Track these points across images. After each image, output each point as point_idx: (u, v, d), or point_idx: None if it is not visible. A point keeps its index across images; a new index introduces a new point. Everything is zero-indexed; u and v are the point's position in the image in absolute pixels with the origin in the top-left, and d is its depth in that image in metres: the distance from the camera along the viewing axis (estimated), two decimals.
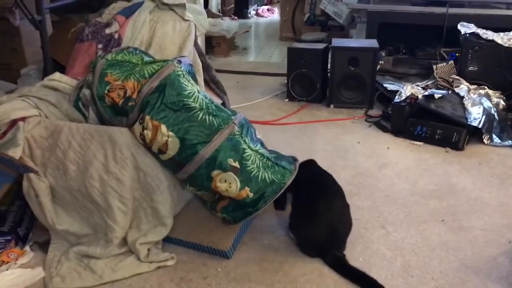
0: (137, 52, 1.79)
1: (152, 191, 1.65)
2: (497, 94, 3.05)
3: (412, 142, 2.72)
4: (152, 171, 1.64)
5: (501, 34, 3.13)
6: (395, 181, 2.28)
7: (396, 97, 2.95)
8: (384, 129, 2.91)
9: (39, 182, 1.61)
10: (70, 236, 1.69)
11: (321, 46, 3.41)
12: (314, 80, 3.37)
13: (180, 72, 1.65)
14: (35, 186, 1.61)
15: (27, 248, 1.70)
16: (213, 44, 5.03)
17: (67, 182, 1.64)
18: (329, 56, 3.35)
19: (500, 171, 2.38)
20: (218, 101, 2.46)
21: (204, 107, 1.62)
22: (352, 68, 3.22)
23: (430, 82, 3.36)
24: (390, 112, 2.94)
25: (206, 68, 2.37)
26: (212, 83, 2.43)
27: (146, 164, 1.63)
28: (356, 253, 1.73)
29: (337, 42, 3.41)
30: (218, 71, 4.33)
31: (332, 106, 3.33)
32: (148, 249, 1.67)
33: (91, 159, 1.61)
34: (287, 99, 3.48)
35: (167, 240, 1.77)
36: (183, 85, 1.62)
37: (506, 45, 3.06)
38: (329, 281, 1.59)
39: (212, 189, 1.62)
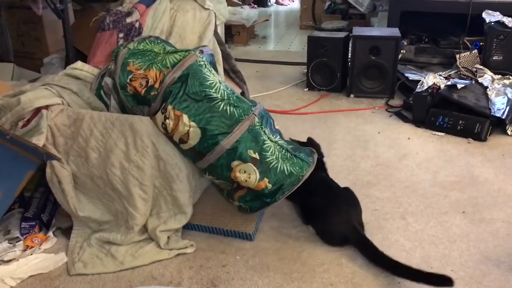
0: (159, 41, 1.80)
1: (172, 179, 1.66)
2: None
3: (434, 132, 2.69)
4: (172, 160, 1.65)
5: None
6: (415, 172, 2.26)
7: (418, 86, 2.91)
8: (405, 119, 2.88)
9: (61, 169, 1.64)
10: (92, 223, 1.72)
11: (341, 34, 3.37)
12: (334, 69, 3.34)
13: (202, 62, 1.65)
14: (58, 173, 1.64)
15: (50, 233, 1.74)
16: (233, 33, 5.03)
17: (89, 170, 1.67)
18: (350, 45, 3.31)
19: None
20: (238, 90, 2.46)
21: (226, 97, 1.62)
22: (373, 57, 3.18)
23: (452, 72, 3.30)
24: (411, 102, 2.90)
25: (226, 57, 2.37)
26: (232, 73, 2.43)
27: (166, 153, 1.65)
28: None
29: (358, 30, 3.37)
30: (237, 60, 4.33)
31: (352, 95, 3.31)
32: (168, 237, 1.70)
33: (112, 147, 1.63)
34: (307, 89, 3.47)
35: (188, 227, 1.79)
36: (205, 75, 1.63)
37: None
38: (347, 271, 1.60)
39: (231, 179, 1.63)
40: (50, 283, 1.56)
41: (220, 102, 1.61)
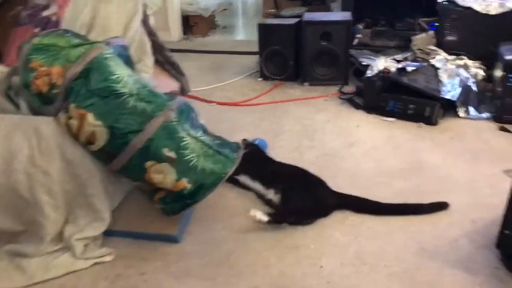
0: (68, 34, 1.66)
1: (84, 184, 1.54)
2: (476, 64, 2.90)
3: (384, 118, 2.60)
4: (82, 162, 1.53)
5: (479, 0, 2.96)
6: (360, 161, 2.17)
7: (368, 71, 2.82)
8: (356, 106, 2.79)
9: None
10: (2, 234, 1.59)
11: (293, 21, 3.26)
12: (287, 58, 3.23)
13: (108, 55, 1.52)
14: None
15: None
16: (191, 24, 4.87)
17: None
18: None
19: (473, 146, 2.26)
20: (174, 84, 2.33)
21: (135, 92, 1.50)
22: (324, 43, 3.08)
23: (408, 55, 3.21)
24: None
25: (158, 48, 2.24)
26: (167, 65, 2.31)
27: (75, 155, 1.52)
28: (307, 240, 1.63)
29: (308, 16, 3.26)
30: (193, 51, 4.22)
31: (306, 84, 3.21)
32: (85, 245, 1.58)
33: (16, 152, 1.50)
34: (261, 78, 3.36)
35: (110, 234, 1.67)
36: (111, 69, 1.50)
37: (484, 11, 2.89)
38: (274, 273, 1.50)
39: (146, 180, 1.51)
40: None
41: (129, 98, 1.48)
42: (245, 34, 5.12)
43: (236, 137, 2.08)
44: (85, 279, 1.50)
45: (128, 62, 1.64)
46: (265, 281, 1.46)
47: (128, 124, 1.47)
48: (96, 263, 1.55)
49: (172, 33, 4.59)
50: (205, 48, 4.29)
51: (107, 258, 1.57)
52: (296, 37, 3.18)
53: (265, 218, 1.63)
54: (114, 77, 1.48)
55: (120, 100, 1.48)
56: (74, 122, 1.46)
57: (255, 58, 3.82)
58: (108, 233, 1.66)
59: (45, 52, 1.55)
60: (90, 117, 1.45)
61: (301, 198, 1.76)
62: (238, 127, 2.58)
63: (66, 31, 1.69)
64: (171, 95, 1.61)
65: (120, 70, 1.51)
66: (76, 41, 1.58)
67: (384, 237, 1.63)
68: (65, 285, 1.48)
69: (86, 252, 1.56)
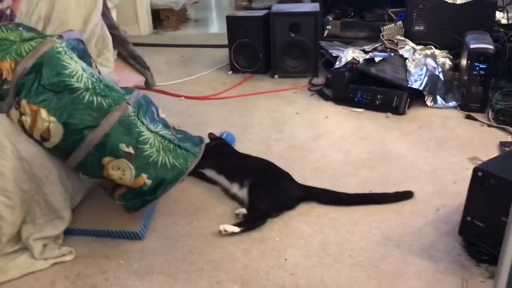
0: (20, 28, 1.60)
1: (41, 182, 1.49)
2: (444, 53, 2.93)
3: (352, 109, 2.60)
4: (37, 160, 1.48)
5: None
6: (328, 152, 2.16)
7: (337, 63, 2.82)
8: (325, 98, 2.79)
9: None
10: None
11: (261, 13, 3.24)
12: (257, 50, 3.21)
13: (61, 49, 1.47)
14: None
15: None
16: (162, 18, 4.82)
17: None
18: None
19: (440, 134, 2.27)
20: (138, 78, 2.29)
21: (90, 87, 1.46)
22: (293, 35, 3.06)
23: (377, 45, 3.22)
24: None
25: (121, 42, 2.19)
26: (130, 59, 2.26)
27: (29, 153, 1.47)
28: (272, 233, 1.62)
29: (277, 7, 3.25)
30: (163, 45, 4.16)
31: (276, 76, 3.19)
32: (45, 245, 1.53)
33: None
34: (231, 72, 3.33)
35: (71, 232, 1.63)
36: (64, 63, 1.45)
37: (451, 1, 2.92)
38: (239, 267, 1.48)
39: (105, 177, 1.47)
40: None
41: (85, 93, 1.44)
42: (218, 27, 5.08)
43: (204, 132, 2.07)
44: (43, 280, 1.46)
45: (83, 55, 1.59)
46: (229, 276, 1.44)
47: (83, 120, 1.42)
48: (56, 263, 1.51)
49: (142, 28, 4.52)
50: (175, 42, 4.24)
51: (67, 258, 1.53)
52: (265, 29, 3.16)
53: (236, 229, 1.59)
54: (67, 71, 1.44)
55: (75, 95, 1.43)
56: (27, 119, 1.41)
57: (226, 51, 3.80)
58: (69, 232, 1.62)
59: None
60: (44, 113, 1.40)
61: (268, 196, 1.73)
62: (207, 121, 2.56)
63: (18, 24, 1.63)
64: (129, 89, 1.57)
65: (74, 64, 1.46)
66: (28, 35, 1.52)
67: (348, 227, 1.63)
68: (22, 287, 1.43)
69: (45, 252, 1.52)
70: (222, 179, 1.86)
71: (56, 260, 1.51)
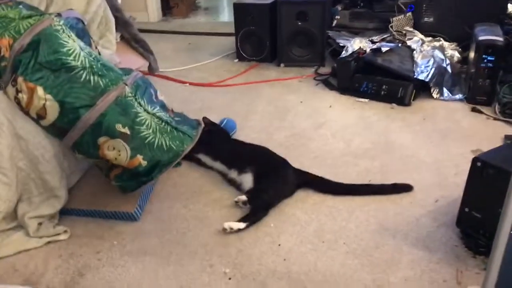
0: (20, 6, 1.60)
1: (37, 160, 1.50)
2: (452, 46, 2.88)
3: (358, 99, 2.57)
4: (34, 138, 1.48)
5: None
6: (329, 141, 2.14)
7: (343, 52, 2.78)
8: (331, 87, 2.76)
9: None
10: None
11: (268, 0, 3.20)
12: (263, 38, 3.19)
13: (59, 27, 1.47)
14: None
15: None
16: (171, 5, 4.79)
17: None
18: None
19: (444, 126, 2.24)
20: (141, 61, 2.29)
21: (88, 66, 1.45)
22: (300, 23, 3.03)
23: (386, 36, 3.18)
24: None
25: (124, 25, 2.19)
26: (134, 42, 2.25)
27: (26, 131, 1.47)
28: (267, 219, 1.60)
29: None
30: (171, 32, 4.15)
31: (282, 65, 3.17)
32: (40, 223, 1.54)
33: None
34: (237, 60, 3.31)
35: (67, 213, 1.63)
36: (61, 41, 1.44)
37: None
38: (232, 251, 1.47)
39: (100, 157, 1.47)
40: None
41: (82, 71, 1.43)
42: (228, 15, 5.04)
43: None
44: (37, 257, 1.46)
45: (83, 35, 1.58)
46: (221, 260, 1.43)
47: (79, 99, 1.42)
48: (50, 242, 1.52)
49: (151, 14, 4.51)
50: (183, 30, 4.22)
51: (62, 237, 1.53)
52: (272, 17, 3.13)
53: (242, 225, 1.54)
54: (64, 49, 1.43)
55: (72, 73, 1.43)
56: (23, 96, 1.41)
57: (234, 39, 3.78)
58: (64, 212, 1.63)
59: None
60: (40, 91, 1.40)
61: (272, 187, 1.70)
62: (210, 107, 2.54)
63: (18, 2, 1.62)
64: (127, 70, 1.56)
65: (71, 43, 1.46)
66: (27, 13, 1.51)
67: (345, 216, 1.61)
68: (15, 264, 1.44)
69: (40, 230, 1.52)
70: (217, 165, 1.85)
71: (51, 239, 1.52)
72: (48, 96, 1.41)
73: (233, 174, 1.78)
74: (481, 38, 2.39)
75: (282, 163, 1.84)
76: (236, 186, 1.76)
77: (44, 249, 1.50)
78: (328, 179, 1.76)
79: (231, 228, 1.53)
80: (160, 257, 1.45)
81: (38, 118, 1.45)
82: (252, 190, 1.69)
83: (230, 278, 1.36)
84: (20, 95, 1.42)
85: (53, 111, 1.42)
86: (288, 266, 1.39)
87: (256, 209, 1.62)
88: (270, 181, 1.72)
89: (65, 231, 1.55)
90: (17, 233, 1.52)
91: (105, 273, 1.40)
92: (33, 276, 1.39)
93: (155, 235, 1.55)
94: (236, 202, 1.66)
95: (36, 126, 1.48)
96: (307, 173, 1.80)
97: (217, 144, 1.94)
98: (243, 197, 1.66)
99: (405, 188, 1.74)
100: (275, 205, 1.66)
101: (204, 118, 2.05)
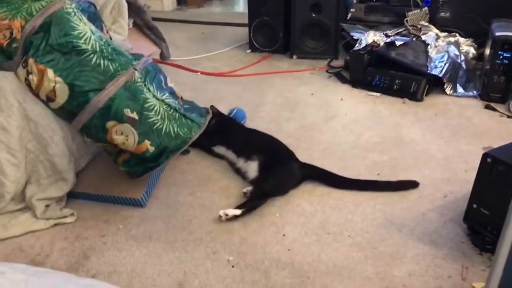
0: None
1: (46, 142, 1.51)
2: (468, 42, 2.84)
3: (369, 93, 2.55)
4: (43, 120, 1.49)
5: None
6: (339, 134, 2.12)
7: (356, 45, 2.75)
8: (343, 80, 2.73)
9: None
10: None
11: None
12: (277, 29, 3.17)
13: (71, 10, 1.47)
14: None
15: None
16: None
17: None
18: None
19: (456, 123, 2.21)
20: (153, 48, 2.29)
21: (98, 49, 1.45)
22: (314, 15, 3.00)
23: (401, 30, 3.14)
24: None
25: (137, 11, 2.19)
26: (146, 29, 2.26)
27: (36, 113, 1.48)
28: (273, 209, 1.60)
29: None
30: (185, 22, 4.14)
31: (295, 57, 3.14)
32: (47, 206, 1.55)
33: None
34: (250, 50, 3.29)
35: (74, 196, 1.65)
36: (73, 24, 1.45)
37: None
38: (236, 239, 1.47)
39: (108, 141, 1.48)
40: None
41: (92, 55, 1.44)
42: (243, 6, 5.01)
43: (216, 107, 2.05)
44: (43, 239, 1.48)
45: (94, 19, 1.59)
46: (225, 247, 1.44)
47: (88, 82, 1.43)
48: (56, 224, 1.53)
49: (165, 3, 4.51)
50: (197, 19, 4.22)
51: (69, 220, 1.55)
52: (286, 8, 3.11)
53: (238, 212, 1.54)
54: (75, 32, 1.43)
55: (82, 57, 1.43)
56: (33, 78, 1.42)
57: (247, 30, 3.76)
58: (72, 195, 1.64)
59: (6, 5, 1.50)
60: (50, 73, 1.41)
61: (274, 177, 1.69)
62: (220, 97, 2.54)
63: None
64: (138, 55, 1.56)
65: (82, 26, 1.46)
66: None
67: (351, 208, 1.60)
68: (22, 244, 1.46)
69: (47, 212, 1.54)
70: (230, 154, 1.84)
71: (57, 221, 1.53)
72: (58, 79, 1.41)
73: (240, 162, 1.78)
74: (497, 34, 2.35)
75: (288, 155, 1.83)
76: (241, 174, 1.76)
77: (50, 231, 1.51)
78: (334, 173, 1.75)
79: (226, 215, 1.53)
80: (165, 243, 1.46)
81: (48, 100, 1.45)
82: (257, 177, 1.69)
83: (233, 266, 1.36)
84: (30, 76, 1.43)
85: (62, 94, 1.43)
86: (291, 256, 1.39)
87: (254, 196, 1.62)
88: (273, 171, 1.71)
89: (72, 214, 1.56)
90: (25, 215, 1.54)
91: (109, 256, 1.41)
92: (39, 257, 1.41)
93: (160, 220, 1.56)
94: (245, 193, 1.66)
95: (45, 109, 1.50)
96: (313, 166, 1.78)
97: (231, 134, 1.93)
98: (251, 189, 1.65)
99: (411, 184, 1.71)
100: (276, 196, 1.65)
101: (212, 107, 2.04)
